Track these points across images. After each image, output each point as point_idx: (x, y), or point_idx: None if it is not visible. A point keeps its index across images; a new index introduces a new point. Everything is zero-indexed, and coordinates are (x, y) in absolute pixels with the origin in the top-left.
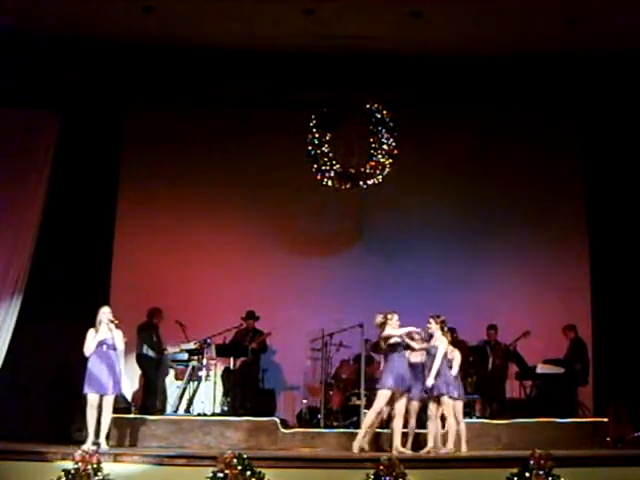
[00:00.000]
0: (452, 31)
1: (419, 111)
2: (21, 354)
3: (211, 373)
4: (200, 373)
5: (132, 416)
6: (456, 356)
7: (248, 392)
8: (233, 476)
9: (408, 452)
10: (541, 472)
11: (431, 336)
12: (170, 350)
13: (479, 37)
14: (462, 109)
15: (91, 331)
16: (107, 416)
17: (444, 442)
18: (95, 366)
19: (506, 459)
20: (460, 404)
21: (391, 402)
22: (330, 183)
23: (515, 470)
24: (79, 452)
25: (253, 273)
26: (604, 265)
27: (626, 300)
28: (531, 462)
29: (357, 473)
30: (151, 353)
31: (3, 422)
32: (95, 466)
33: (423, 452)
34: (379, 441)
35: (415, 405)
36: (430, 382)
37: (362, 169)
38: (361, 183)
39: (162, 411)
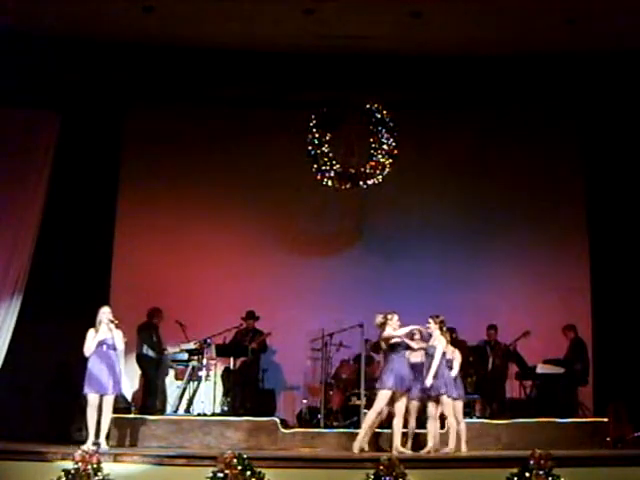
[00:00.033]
0: (452, 31)
1: (419, 111)
2: (21, 354)
3: (211, 373)
4: (200, 373)
5: (132, 416)
6: (457, 356)
7: (248, 392)
8: (233, 476)
9: (408, 452)
10: (541, 472)
11: (430, 336)
12: (170, 350)
13: (479, 37)
14: (462, 109)
15: (91, 331)
16: (107, 416)
17: (444, 442)
18: (95, 366)
19: (506, 459)
20: (460, 404)
21: (391, 402)
22: (330, 183)
23: (515, 470)
24: (79, 452)
25: (253, 273)
26: (604, 265)
27: (626, 300)
28: (531, 462)
29: (357, 473)
30: (151, 353)
31: (3, 422)
32: (95, 466)
33: (423, 452)
34: (379, 441)
35: (415, 405)
36: (429, 382)
37: (362, 169)
38: (361, 183)
39: (162, 411)
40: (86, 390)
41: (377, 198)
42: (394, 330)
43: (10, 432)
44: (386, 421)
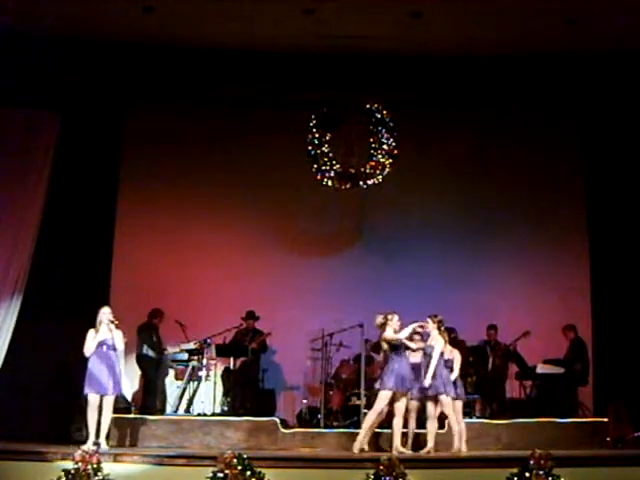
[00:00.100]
0: (452, 31)
1: (419, 111)
2: (21, 354)
3: (211, 373)
4: (200, 373)
5: (132, 416)
6: (456, 356)
7: (248, 392)
8: (233, 476)
9: (408, 452)
10: (541, 472)
11: (428, 335)
12: (170, 350)
13: (479, 37)
14: (462, 109)
15: (91, 331)
16: (107, 416)
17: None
18: (95, 366)
19: (506, 459)
20: (459, 404)
21: (391, 402)
22: (330, 183)
23: (515, 470)
24: (79, 452)
25: (253, 273)
26: (604, 265)
27: (626, 300)
28: (531, 462)
29: (357, 473)
30: (151, 353)
31: (3, 422)
32: (95, 466)
33: (423, 452)
34: (379, 441)
35: (414, 405)
36: (427, 382)
37: (362, 169)
38: (361, 183)
39: (162, 411)
40: (86, 390)
41: (377, 198)
42: (394, 331)
43: (10, 432)
44: (386, 421)
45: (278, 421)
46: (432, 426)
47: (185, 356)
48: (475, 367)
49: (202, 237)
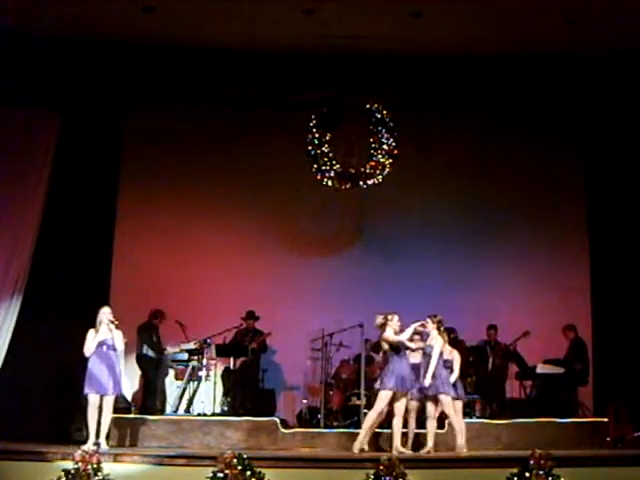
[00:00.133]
0: (452, 31)
1: (419, 111)
2: (21, 354)
3: (211, 373)
4: (200, 373)
5: (132, 416)
6: (455, 357)
7: (248, 392)
8: (233, 476)
9: (408, 452)
10: (541, 472)
11: (428, 335)
12: (170, 350)
13: (479, 37)
14: (462, 109)
15: (91, 331)
16: (107, 416)
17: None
18: (95, 367)
19: (506, 459)
20: (459, 404)
21: (391, 402)
22: (330, 183)
23: (515, 470)
24: (79, 452)
25: (253, 273)
26: (604, 265)
27: (626, 300)
28: (531, 462)
29: (357, 473)
30: (151, 353)
31: (3, 422)
32: (95, 466)
33: (423, 452)
34: (379, 441)
35: (414, 405)
36: (427, 382)
37: (362, 169)
38: (361, 183)
39: (162, 411)
40: (86, 391)
41: (377, 198)
42: (394, 331)
43: (10, 432)
44: (386, 421)
45: (278, 421)
46: (432, 426)
47: (185, 356)
48: (475, 367)
49: (202, 237)
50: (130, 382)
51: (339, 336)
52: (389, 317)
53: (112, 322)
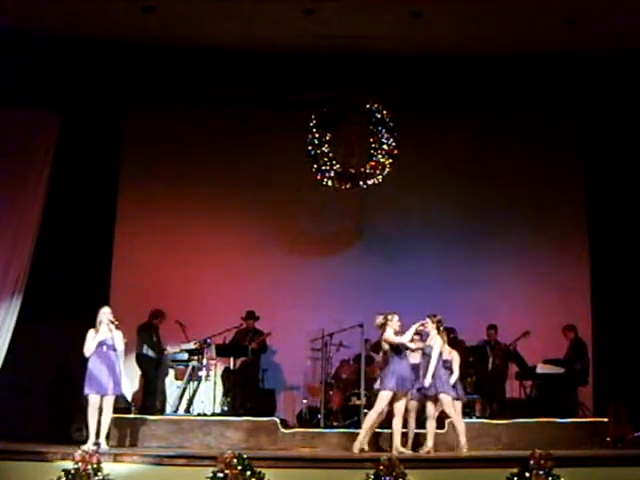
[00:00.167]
0: (452, 31)
1: (419, 111)
2: (21, 354)
3: (211, 373)
4: (200, 373)
5: (132, 416)
6: (455, 357)
7: (248, 392)
8: (233, 476)
9: (408, 452)
10: (541, 472)
11: (427, 335)
12: (170, 350)
13: (479, 37)
14: (462, 109)
15: (91, 331)
16: (107, 416)
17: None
18: (95, 367)
19: (506, 459)
20: (459, 404)
21: (391, 402)
22: (330, 183)
23: (515, 470)
24: (79, 452)
25: (253, 273)
26: (604, 265)
27: (626, 300)
28: (531, 462)
29: (357, 473)
30: (151, 353)
31: (3, 422)
32: (95, 466)
33: (423, 452)
34: (379, 441)
35: (414, 405)
36: (427, 382)
37: (362, 169)
38: (361, 183)
39: (162, 411)
40: (86, 391)
41: (377, 198)
42: (394, 331)
43: (10, 432)
44: (386, 421)
45: (278, 421)
46: (432, 426)
47: (185, 356)
48: (475, 367)
49: (202, 237)
50: (130, 382)
51: (339, 336)
52: (389, 317)
53: (112, 322)
